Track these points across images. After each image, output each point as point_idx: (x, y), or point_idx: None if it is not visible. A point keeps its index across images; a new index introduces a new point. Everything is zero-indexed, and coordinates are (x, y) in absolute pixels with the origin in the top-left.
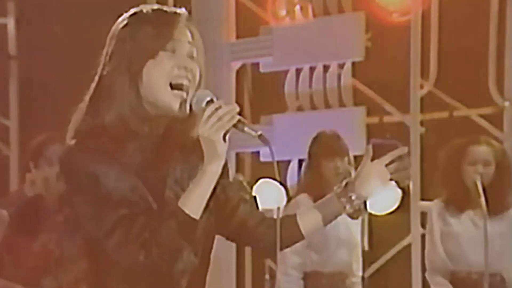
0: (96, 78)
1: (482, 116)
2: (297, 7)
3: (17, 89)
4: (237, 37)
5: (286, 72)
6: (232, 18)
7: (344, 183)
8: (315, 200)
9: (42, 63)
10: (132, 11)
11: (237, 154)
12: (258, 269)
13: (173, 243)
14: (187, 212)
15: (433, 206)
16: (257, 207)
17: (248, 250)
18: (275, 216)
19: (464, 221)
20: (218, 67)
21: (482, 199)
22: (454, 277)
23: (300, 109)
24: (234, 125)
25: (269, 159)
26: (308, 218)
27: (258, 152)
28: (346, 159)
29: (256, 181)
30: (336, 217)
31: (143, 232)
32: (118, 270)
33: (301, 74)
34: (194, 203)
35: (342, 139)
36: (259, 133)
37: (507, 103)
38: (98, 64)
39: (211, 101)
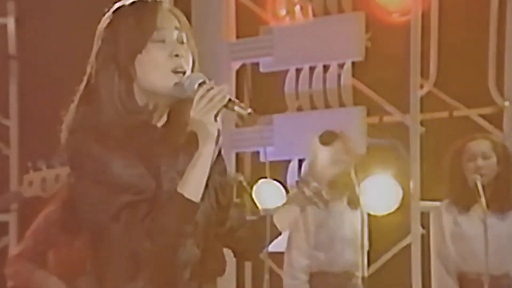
0: (85, 78)
1: (482, 116)
2: (297, 7)
3: (17, 89)
4: (237, 37)
5: (286, 72)
6: (232, 18)
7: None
8: None
9: (42, 63)
10: (113, 7)
11: (237, 154)
12: (258, 269)
13: (175, 228)
14: (187, 196)
15: (442, 207)
16: (245, 209)
17: None
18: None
19: (473, 220)
20: (218, 67)
21: (483, 199)
22: (463, 278)
23: (300, 109)
24: (225, 105)
25: (269, 159)
26: (284, 214)
27: (258, 152)
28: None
29: (256, 181)
30: (305, 203)
31: (146, 218)
32: (121, 258)
33: (301, 74)
34: (192, 186)
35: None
36: (249, 110)
37: (507, 103)
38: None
39: (204, 82)
